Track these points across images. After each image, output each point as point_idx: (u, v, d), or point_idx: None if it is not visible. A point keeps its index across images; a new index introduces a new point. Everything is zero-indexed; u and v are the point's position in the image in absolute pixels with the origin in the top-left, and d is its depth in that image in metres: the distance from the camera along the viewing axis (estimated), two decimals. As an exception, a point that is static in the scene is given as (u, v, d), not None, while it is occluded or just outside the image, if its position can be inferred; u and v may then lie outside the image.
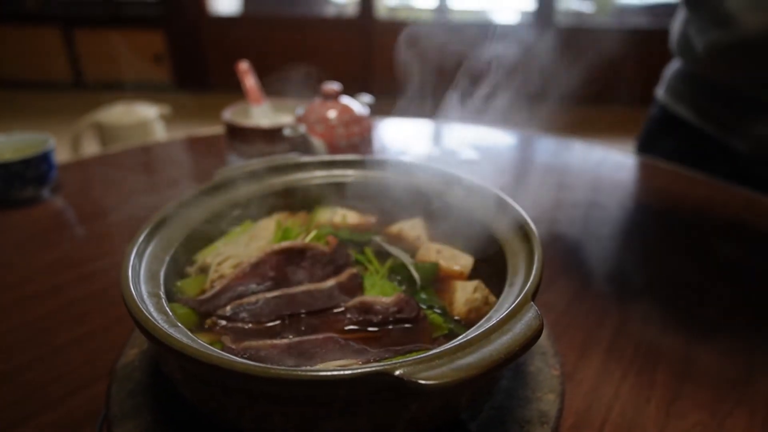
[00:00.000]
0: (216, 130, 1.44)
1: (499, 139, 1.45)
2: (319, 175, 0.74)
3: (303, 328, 0.53)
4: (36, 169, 1.03)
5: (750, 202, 1.06)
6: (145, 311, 0.43)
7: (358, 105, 1.07)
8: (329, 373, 0.36)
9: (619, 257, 0.90)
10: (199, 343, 0.41)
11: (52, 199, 1.10)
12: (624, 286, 0.81)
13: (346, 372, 0.36)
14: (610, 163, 1.28)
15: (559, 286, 0.80)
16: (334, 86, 1.05)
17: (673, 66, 1.29)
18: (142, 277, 0.50)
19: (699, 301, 0.77)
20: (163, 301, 0.48)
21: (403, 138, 1.44)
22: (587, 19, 4.58)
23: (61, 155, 1.29)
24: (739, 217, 1.00)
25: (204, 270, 0.62)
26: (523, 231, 0.55)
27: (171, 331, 0.41)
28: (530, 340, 0.39)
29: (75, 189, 1.16)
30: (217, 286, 0.57)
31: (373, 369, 0.36)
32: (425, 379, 0.35)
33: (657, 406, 0.59)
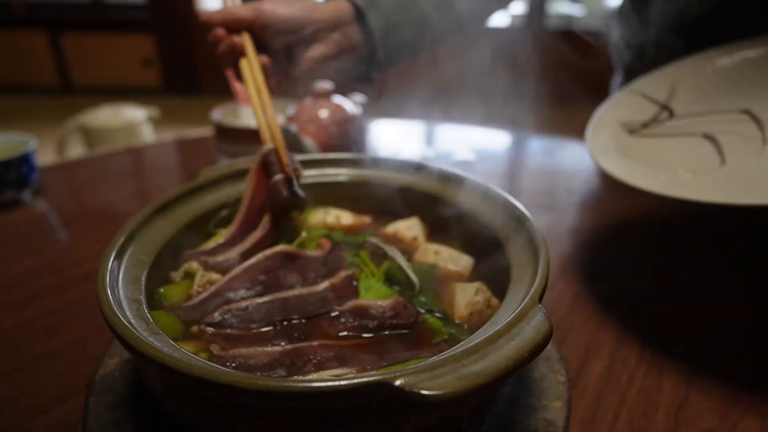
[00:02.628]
0: (205, 131, 1.41)
1: (495, 139, 1.43)
2: (310, 175, 0.71)
3: (296, 335, 0.50)
4: (16, 171, 0.99)
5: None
6: (122, 318, 0.40)
7: (350, 104, 1.04)
8: (323, 385, 0.33)
9: (620, 258, 0.88)
10: (182, 353, 0.38)
11: (34, 202, 1.06)
12: (626, 288, 0.78)
13: (343, 383, 0.33)
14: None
15: (559, 288, 0.78)
16: (326, 85, 1.02)
17: None
18: (120, 282, 0.46)
19: (705, 302, 0.75)
20: (144, 307, 0.45)
21: (397, 139, 1.42)
22: (578, 22, 4.60)
23: (47, 159, 1.26)
24: (743, 217, 0.98)
25: (190, 274, 0.58)
26: (525, 229, 0.52)
27: (150, 339, 0.38)
28: (539, 345, 0.36)
29: (58, 192, 1.12)
30: (205, 293, 0.54)
31: (372, 379, 0.33)
32: (429, 389, 0.32)
33: (665, 413, 0.57)
